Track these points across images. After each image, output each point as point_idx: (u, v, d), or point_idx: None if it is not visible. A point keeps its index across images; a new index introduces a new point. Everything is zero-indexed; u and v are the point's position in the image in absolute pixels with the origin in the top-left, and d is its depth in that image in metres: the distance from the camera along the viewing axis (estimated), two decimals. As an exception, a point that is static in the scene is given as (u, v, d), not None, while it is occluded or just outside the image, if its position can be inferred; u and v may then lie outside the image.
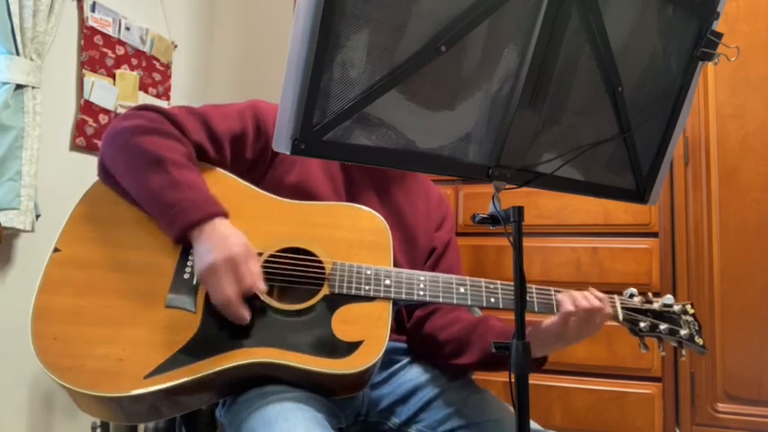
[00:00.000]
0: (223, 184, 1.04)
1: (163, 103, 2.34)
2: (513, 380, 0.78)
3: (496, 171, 0.81)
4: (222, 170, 1.06)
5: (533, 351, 1.02)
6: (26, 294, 0.93)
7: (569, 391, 1.87)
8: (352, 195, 1.13)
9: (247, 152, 1.08)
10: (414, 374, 1.10)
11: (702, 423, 1.80)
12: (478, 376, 1.18)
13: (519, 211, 0.82)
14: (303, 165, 1.10)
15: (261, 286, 0.94)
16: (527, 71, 0.77)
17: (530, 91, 0.78)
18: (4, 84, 1.64)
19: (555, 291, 1.03)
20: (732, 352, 1.80)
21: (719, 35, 0.86)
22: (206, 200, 0.96)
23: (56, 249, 0.95)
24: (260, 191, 1.06)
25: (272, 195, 1.05)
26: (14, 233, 1.72)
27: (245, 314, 0.93)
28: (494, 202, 0.83)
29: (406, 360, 1.13)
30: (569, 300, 0.98)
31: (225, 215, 0.97)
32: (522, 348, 0.78)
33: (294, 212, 1.04)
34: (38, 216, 1.72)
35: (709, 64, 0.89)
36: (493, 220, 0.84)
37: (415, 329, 1.17)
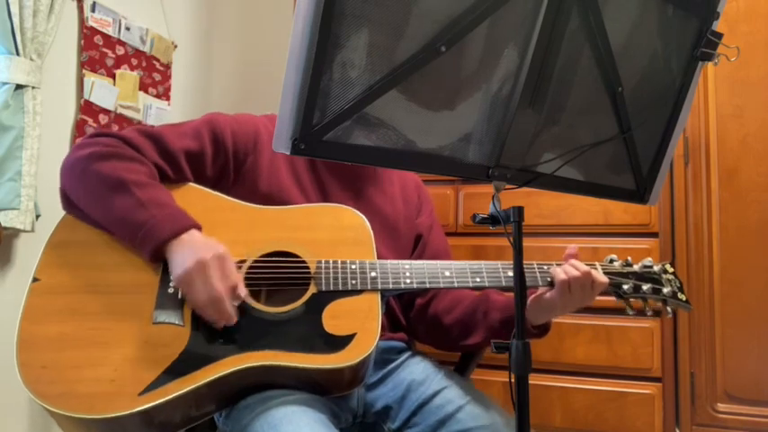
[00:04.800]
0: (197, 197, 1.03)
1: (163, 104, 2.34)
2: (513, 380, 0.78)
3: (496, 171, 0.81)
4: (194, 184, 1.05)
5: (536, 319, 1.06)
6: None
7: (569, 392, 1.86)
8: (323, 197, 1.13)
9: (207, 170, 1.07)
10: (409, 374, 1.10)
11: (702, 423, 1.79)
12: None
13: (519, 211, 0.82)
14: (271, 173, 1.09)
15: (242, 289, 0.93)
16: (527, 71, 0.77)
17: (530, 91, 0.78)
18: (4, 84, 1.64)
19: (538, 264, 1.06)
20: (732, 352, 1.79)
21: (719, 35, 0.86)
22: (175, 214, 0.95)
23: (35, 279, 0.94)
24: (236, 200, 1.05)
25: (248, 204, 1.05)
26: (14, 233, 1.71)
27: (233, 311, 0.91)
28: (494, 202, 0.83)
29: (401, 359, 1.14)
30: (561, 270, 1.02)
31: (197, 227, 0.95)
32: (523, 348, 0.78)
33: (273, 218, 1.03)
34: (38, 216, 1.72)
35: (709, 64, 0.89)
36: (493, 220, 0.84)
37: (419, 316, 1.18)
